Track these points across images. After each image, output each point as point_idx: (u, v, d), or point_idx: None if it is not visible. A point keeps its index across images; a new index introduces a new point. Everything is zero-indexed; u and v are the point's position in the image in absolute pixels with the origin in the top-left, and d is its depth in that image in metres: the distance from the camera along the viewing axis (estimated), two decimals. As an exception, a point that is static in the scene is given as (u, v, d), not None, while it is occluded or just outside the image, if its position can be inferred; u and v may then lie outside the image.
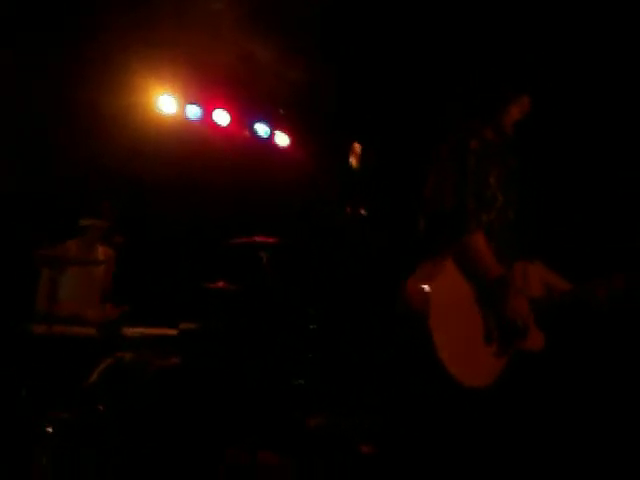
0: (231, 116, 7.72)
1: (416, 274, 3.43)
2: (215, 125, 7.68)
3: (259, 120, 8.00)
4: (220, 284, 6.02)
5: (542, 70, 4.02)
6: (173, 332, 5.49)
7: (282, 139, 8.18)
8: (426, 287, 3.33)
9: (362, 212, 6.16)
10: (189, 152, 7.54)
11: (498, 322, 3.42)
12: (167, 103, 7.28)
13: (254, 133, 8.00)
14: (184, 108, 7.48)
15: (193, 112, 7.51)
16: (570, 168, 5.52)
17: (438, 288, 3.33)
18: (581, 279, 3.61)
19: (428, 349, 3.25)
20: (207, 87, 7.53)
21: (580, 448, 4.85)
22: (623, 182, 5.40)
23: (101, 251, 5.96)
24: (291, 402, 6.35)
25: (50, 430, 4.53)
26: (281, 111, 7.91)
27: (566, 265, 3.68)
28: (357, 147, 6.18)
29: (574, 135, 5.53)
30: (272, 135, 8.13)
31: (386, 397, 5.38)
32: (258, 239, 6.02)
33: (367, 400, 6.12)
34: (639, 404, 4.95)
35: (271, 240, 6.04)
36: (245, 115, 7.92)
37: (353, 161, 6.24)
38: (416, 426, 3.55)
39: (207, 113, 7.62)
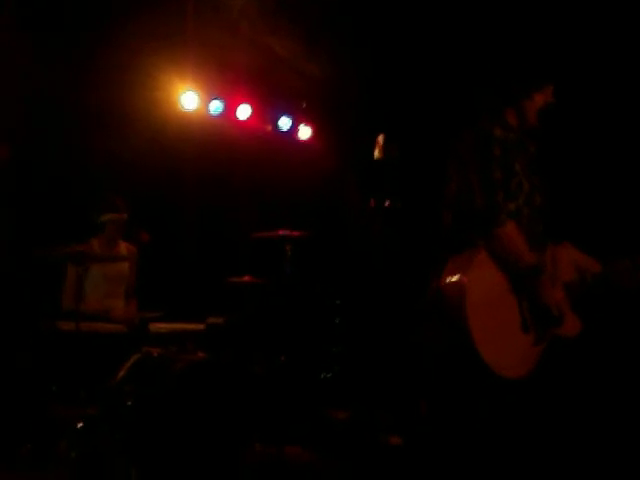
0: (253, 110, 7.72)
1: (449, 267, 3.42)
2: (238, 120, 7.68)
3: (282, 114, 8.00)
4: (246, 278, 6.03)
5: (567, 60, 3.99)
6: (200, 327, 5.50)
7: (305, 132, 8.17)
8: (462, 279, 3.32)
9: (386, 204, 6.15)
10: (212, 147, 7.56)
11: (534, 311, 3.41)
12: (190, 99, 7.28)
13: (277, 127, 8.00)
14: (207, 104, 7.48)
15: (215, 107, 7.51)
16: (593, 151, 5.49)
17: (473, 280, 3.33)
18: (609, 258, 3.59)
19: (465, 341, 3.25)
20: (229, 82, 7.54)
21: (620, 433, 4.82)
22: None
23: (123, 247, 5.98)
24: (318, 396, 6.36)
25: (80, 425, 4.56)
26: (303, 104, 7.90)
27: (594, 244, 3.66)
28: (380, 139, 6.17)
29: (598, 118, 5.50)
30: (295, 128, 8.12)
31: (418, 389, 5.37)
32: (282, 232, 6.02)
33: (394, 392, 6.12)
34: None
35: (295, 233, 6.05)
36: (267, 109, 7.92)
37: (377, 153, 6.22)
38: (451, 418, 3.54)
39: (230, 108, 7.63)
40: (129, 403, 4.68)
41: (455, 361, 3.41)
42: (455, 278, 3.37)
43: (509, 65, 3.68)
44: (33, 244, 5.57)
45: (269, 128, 7.94)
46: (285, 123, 8.03)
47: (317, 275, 7.34)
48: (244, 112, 7.68)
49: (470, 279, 3.32)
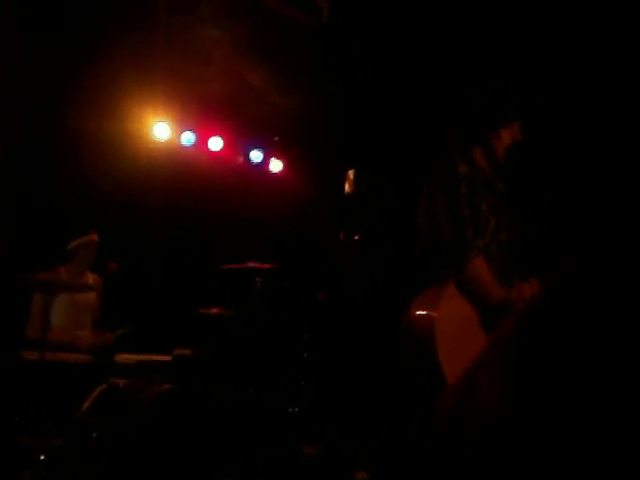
0: (225, 143, 7.74)
1: (419, 301, 3.43)
2: (210, 152, 7.70)
3: (253, 147, 8.02)
4: (214, 310, 6.00)
5: (534, 95, 4.04)
6: (167, 358, 5.46)
7: (276, 165, 8.20)
8: (431, 314, 3.33)
9: (356, 238, 6.17)
10: (183, 178, 7.54)
11: None
12: (162, 130, 7.29)
13: (248, 160, 8.02)
14: (179, 135, 7.49)
15: (187, 139, 7.53)
16: (561, 187, 5.55)
17: (443, 314, 3.33)
18: None
19: (436, 375, 3.24)
20: (202, 114, 7.55)
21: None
22: (610, 203, 5.43)
23: (90, 277, 5.94)
24: (287, 430, 6.32)
25: (43, 457, 4.50)
26: (276, 138, 7.93)
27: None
28: (351, 174, 6.21)
29: (565, 155, 5.57)
30: (266, 161, 8.15)
31: (386, 422, 5.35)
32: (252, 265, 6.02)
33: (363, 427, 6.09)
34: None
35: (265, 266, 6.04)
36: (239, 141, 7.94)
37: (347, 188, 6.26)
38: (419, 452, 3.53)
39: (201, 140, 7.64)
40: (94, 435, 4.63)
41: (425, 394, 3.41)
42: (425, 312, 3.37)
43: (475, 102, 3.71)
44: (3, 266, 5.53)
45: (241, 160, 7.97)
46: (257, 155, 8.06)
47: (286, 308, 7.33)
48: (216, 144, 7.70)
49: (439, 313, 3.32)
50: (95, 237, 5.81)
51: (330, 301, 6.91)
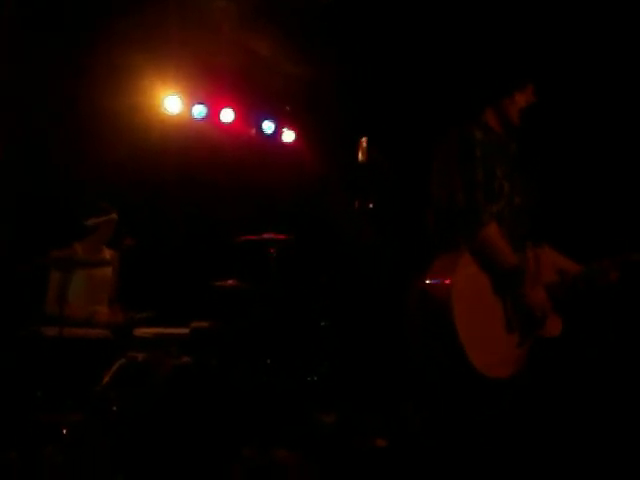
0: (237, 114, 7.72)
1: (433, 268, 3.42)
2: (221, 124, 7.68)
3: (265, 118, 8.00)
4: (230, 282, 6.01)
5: (547, 59, 4.01)
6: (185, 331, 5.49)
7: (289, 136, 8.17)
8: (447, 281, 3.32)
9: (370, 206, 6.16)
10: (196, 152, 7.55)
11: (517, 311, 3.41)
12: (173, 103, 7.28)
13: (260, 131, 8.00)
14: (190, 108, 7.48)
15: (199, 112, 7.51)
16: (571, 151, 5.53)
17: (458, 281, 3.32)
18: (588, 259, 3.61)
19: (452, 342, 3.24)
20: (212, 86, 7.53)
21: (604, 432, 4.85)
22: (622, 164, 5.41)
23: (107, 252, 5.96)
24: (305, 399, 6.35)
25: (64, 432, 4.54)
26: (287, 108, 7.90)
27: (572, 246, 3.68)
28: (364, 142, 6.18)
29: (576, 119, 5.54)
30: (278, 132, 8.13)
31: (406, 390, 5.37)
32: (267, 236, 6.02)
33: (381, 395, 6.12)
34: None
35: (280, 237, 6.04)
36: (251, 113, 7.92)
37: (360, 156, 6.23)
38: (438, 418, 3.54)
39: (213, 112, 7.63)
40: (114, 408, 4.67)
41: (442, 361, 3.41)
42: (440, 279, 3.36)
43: (489, 64, 3.68)
44: (18, 248, 5.55)
45: (253, 131, 7.95)
46: (269, 126, 8.03)
47: (302, 278, 7.34)
48: (227, 116, 7.68)
49: (455, 280, 3.31)
50: (115, 216, 5.83)
51: (345, 271, 6.92)
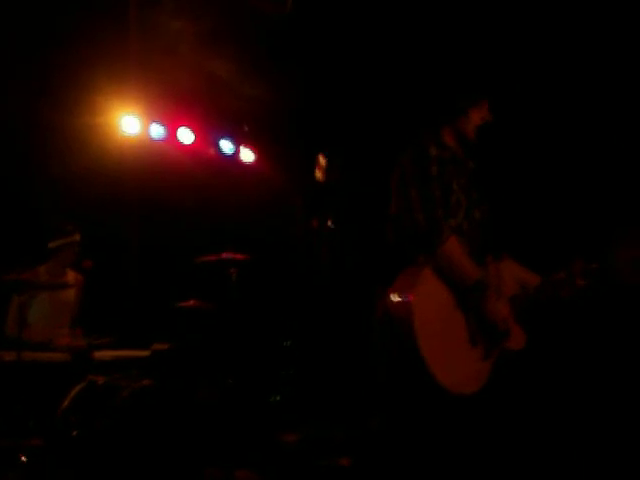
0: (195, 134, 7.71)
1: (395, 286, 3.41)
2: (180, 144, 7.66)
3: (223, 137, 7.99)
4: (191, 303, 5.99)
5: (501, 75, 4.06)
6: (145, 353, 5.44)
7: (247, 155, 8.17)
8: (408, 298, 3.33)
9: (329, 224, 6.17)
10: (154, 172, 7.50)
11: (481, 325, 3.43)
12: (130, 123, 7.24)
13: (219, 150, 7.99)
14: (148, 128, 7.45)
15: (157, 131, 7.48)
16: (530, 163, 5.60)
17: (419, 298, 3.32)
18: (547, 270, 3.65)
19: (415, 359, 3.24)
20: (170, 106, 7.51)
21: (570, 444, 4.89)
22: (574, 176, 5.50)
23: (71, 275, 5.91)
24: (267, 419, 6.33)
25: (24, 458, 4.48)
26: (245, 127, 7.91)
27: (532, 257, 3.72)
28: (322, 160, 6.20)
29: (529, 134, 5.61)
30: (237, 151, 8.12)
31: (368, 409, 5.37)
32: (226, 256, 6.00)
33: (345, 413, 6.11)
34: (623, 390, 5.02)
35: (239, 257, 6.03)
36: (209, 133, 7.91)
37: (319, 174, 6.25)
38: (403, 435, 3.53)
39: (171, 132, 7.60)
40: (75, 433, 4.61)
41: (406, 378, 3.41)
42: (402, 297, 3.36)
43: (443, 82, 3.73)
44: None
45: (212, 151, 7.94)
46: (227, 146, 8.03)
47: (263, 298, 7.32)
48: (186, 136, 7.66)
49: (416, 297, 3.32)
50: (77, 236, 5.78)
51: (306, 288, 6.92)
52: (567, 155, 5.55)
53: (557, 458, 4.83)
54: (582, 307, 4.54)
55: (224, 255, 6.01)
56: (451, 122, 3.66)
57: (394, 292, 3.41)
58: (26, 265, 5.60)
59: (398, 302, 3.37)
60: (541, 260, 3.70)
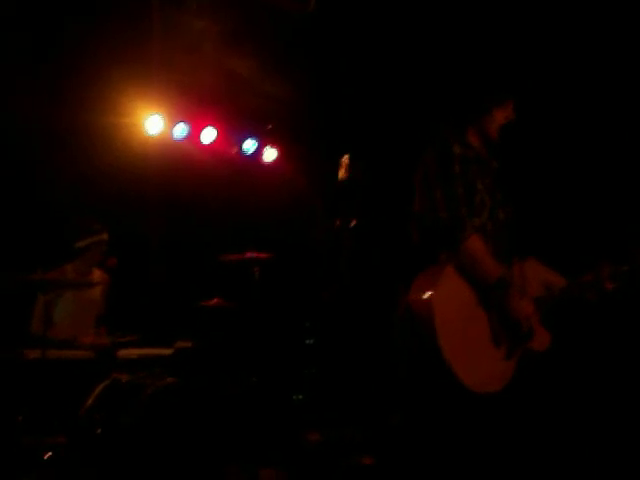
0: (218, 134, 7.72)
1: (417, 284, 3.41)
2: (203, 143, 7.68)
3: (247, 137, 8.01)
4: (214, 301, 6.00)
5: (526, 74, 4.04)
6: (169, 352, 5.47)
7: (270, 154, 8.18)
8: (429, 296, 3.31)
9: (352, 224, 6.17)
10: (178, 172, 7.54)
11: (504, 325, 3.41)
12: (154, 123, 7.27)
13: (242, 150, 8.00)
14: (171, 128, 7.47)
15: (180, 131, 7.51)
16: (555, 165, 5.57)
17: (441, 296, 3.31)
18: (574, 272, 3.62)
19: (436, 358, 3.23)
20: (194, 106, 7.53)
21: (590, 446, 4.86)
22: (601, 177, 5.46)
23: (96, 274, 5.94)
24: (291, 418, 6.33)
25: (48, 456, 4.50)
26: (268, 127, 7.92)
27: (559, 259, 3.70)
28: (345, 160, 6.20)
29: (554, 135, 5.58)
30: (260, 151, 8.13)
31: (389, 407, 5.36)
32: (250, 255, 6.01)
33: (367, 411, 6.11)
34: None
35: (263, 255, 6.04)
36: (233, 132, 7.93)
37: (341, 174, 6.25)
38: (426, 434, 3.52)
39: (194, 132, 7.63)
40: (99, 431, 4.63)
41: (428, 377, 3.40)
42: (423, 295, 3.35)
43: (468, 81, 3.71)
44: (7, 269, 5.52)
45: (234, 151, 7.95)
46: (250, 146, 8.04)
47: (286, 297, 7.33)
48: (209, 136, 7.68)
49: (438, 295, 3.31)
50: (106, 236, 5.82)
51: (330, 289, 6.91)
52: (593, 155, 5.51)
53: (578, 460, 4.79)
54: (609, 310, 4.51)
55: (247, 254, 6.03)
56: (475, 122, 3.65)
57: (415, 290, 3.40)
58: (52, 264, 5.64)
59: (419, 300, 3.35)
60: (567, 262, 3.68)
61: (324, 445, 5.91)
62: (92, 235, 5.78)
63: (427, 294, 3.33)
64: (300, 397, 6.59)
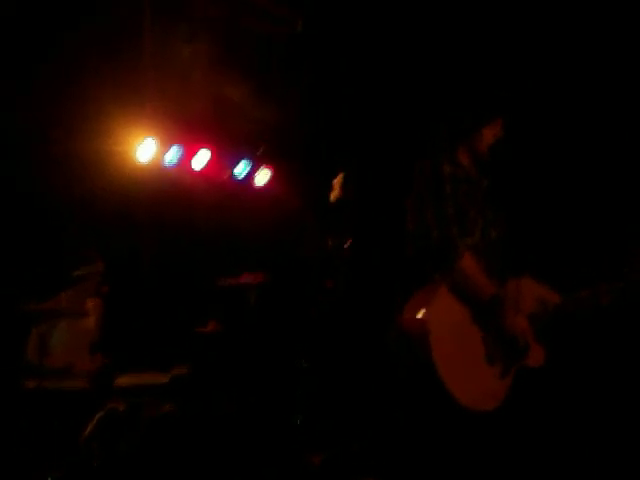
0: (210, 159, 7.73)
1: (411, 303, 3.42)
2: (195, 168, 7.69)
3: (238, 161, 8.02)
4: (209, 326, 6.00)
5: (514, 92, 4.06)
6: (165, 379, 5.45)
7: (262, 178, 8.18)
8: (424, 315, 3.32)
9: (345, 245, 6.17)
10: (170, 196, 7.54)
11: (498, 342, 3.41)
12: (146, 149, 7.28)
13: (234, 174, 8.01)
14: (163, 154, 7.48)
15: (171, 158, 7.51)
16: (545, 182, 5.57)
17: (435, 315, 3.32)
18: (569, 289, 3.62)
19: (431, 377, 3.24)
20: (184, 133, 7.54)
21: (588, 458, 4.85)
22: (594, 192, 5.47)
23: (90, 304, 5.92)
24: (291, 440, 6.30)
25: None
26: (259, 151, 7.93)
27: (552, 276, 3.69)
28: (337, 181, 6.21)
29: (546, 151, 5.59)
30: (252, 175, 8.14)
31: (389, 427, 5.35)
32: (244, 279, 6.02)
33: (367, 432, 6.09)
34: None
35: (257, 279, 6.04)
36: (223, 157, 7.93)
37: (334, 194, 6.26)
38: (423, 455, 3.51)
39: (186, 157, 7.63)
40: (97, 461, 4.62)
41: (423, 395, 3.40)
42: (417, 315, 3.36)
43: (456, 101, 3.73)
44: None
45: (226, 175, 7.95)
46: (242, 169, 8.04)
47: (281, 319, 7.31)
48: (200, 161, 7.69)
49: (432, 315, 3.32)
50: (101, 265, 5.81)
51: (324, 308, 6.91)
52: (584, 171, 5.51)
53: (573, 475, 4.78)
54: (604, 325, 4.52)
55: (242, 277, 6.03)
56: (464, 141, 3.66)
57: (410, 309, 3.41)
58: (47, 292, 5.63)
59: (413, 320, 3.36)
60: (561, 279, 3.68)
61: (326, 466, 5.89)
62: (88, 264, 5.77)
63: (421, 314, 3.34)
64: (299, 418, 6.57)
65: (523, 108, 4.60)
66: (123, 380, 5.31)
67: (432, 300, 3.36)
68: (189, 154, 7.63)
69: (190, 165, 7.65)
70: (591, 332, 4.85)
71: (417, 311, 3.37)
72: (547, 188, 5.57)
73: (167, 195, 7.52)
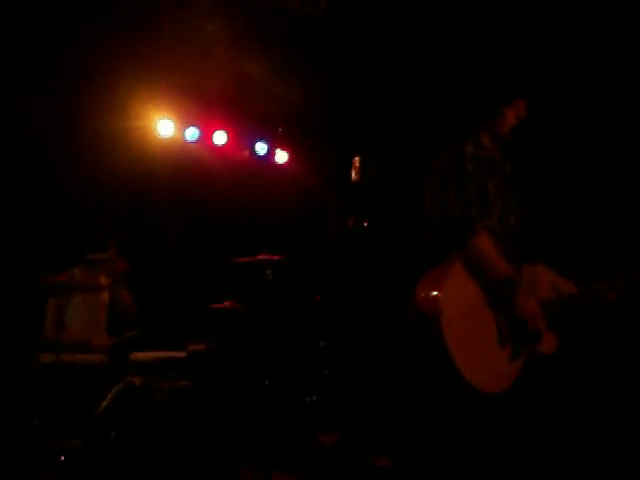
0: (230, 136, 7.73)
1: (425, 281, 3.41)
2: (214, 146, 7.69)
3: (258, 139, 8.01)
4: (227, 304, 6.00)
5: (538, 74, 4.02)
6: (182, 354, 5.47)
7: (282, 156, 8.18)
8: (436, 293, 3.31)
9: (365, 224, 6.16)
10: (190, 174, 7.56)
11: (510, 325, 3.39)
12: (165, 127, 7.29)
13: (253, 152, 8.01)
14: (182, 131, 7.49)
15: (191, 134, 7.52)
16: (565, 170, 5.52)
17: (447, 294, 3.31)
18: (584, 280, 3.60)
19: (442, 356, 3.23)
20: (205, 109, 7.54)
21: (595, 448, 4.83)
22: (616, 183, 5.41)
23: (103, 278, 5.94)
24: (304, 420, 6.32)
25: (62, 459, 4.51)
26: (280, 129, 7.92)
27: (568, 266, 3.67)
28: (357, 161, 6.20)
29: (569, 138, 5.53)
30: (271, 153, 8.13)
31: (401, 408, 5.35)
32: (262, 257, 6.01)
33: (380, 413, 6.09)
34: None
35: (275, 257, 6.04)
36: (244, 135, 7.93)
37: (354, 175, 6.25)
38: (433, 435, 3.51)
39: (206, 135, 7.64)
40: (113, 434, 4.64)
41: (435, 373, 3.40)
42: (430, 293, 3.35)
43: (479, 83, 3.71)
44: (16, 271, 5.54)
45: (246, 153, 7.96)
46: (262, 147, 8.04)
47: (298, 298, 7.32)
48: (220, 138, 7.69)
49: (445, 292, 3.31)
50: (115, 252, 5.83)
51: (342, 290, 6.91)
52: (608, 160, 5.46)
53: (581, 463, 4.76)
54: (620, 316, 4.49)
55: (260, 256, 6.03)
56: (487, 122, 3.63)
57: (423, 287, 3.40)
58: (60, 267, 5.66)
59: (426, 298, 3.36)
60: (577, 269, 3.65)
61: (338, 447, 5.90)
62: (102, 251, 5.79)
63: (434, 293, 3.34)
64: (314, 398, 6.58)
65: (547, 90, 4.57)
66: (140, 355, 5.33)
67: (446, 278, 3.36)
68: (208, 133, 7.63)
69: (210, 141, 7.65)
70: (606, 324, 4.81)
71: (431, 289, 3.36)
72: (569, 177, 5.52)
73: (187, 171, 7.54)
